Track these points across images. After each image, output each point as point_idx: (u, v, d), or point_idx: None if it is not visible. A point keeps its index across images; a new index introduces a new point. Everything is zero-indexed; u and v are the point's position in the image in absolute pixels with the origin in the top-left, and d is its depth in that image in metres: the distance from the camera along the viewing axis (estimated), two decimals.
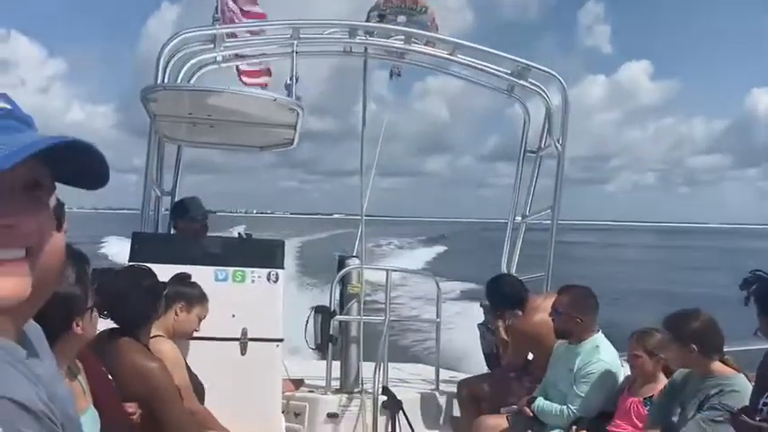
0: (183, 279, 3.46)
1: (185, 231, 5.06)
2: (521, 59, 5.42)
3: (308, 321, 5.01)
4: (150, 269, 3.04)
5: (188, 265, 3.69)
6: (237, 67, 5.49)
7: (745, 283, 2.53)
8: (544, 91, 5.50)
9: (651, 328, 3.57)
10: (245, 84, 5.52)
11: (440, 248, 51.03)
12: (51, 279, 0.88)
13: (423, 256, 41.82)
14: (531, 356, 4.70)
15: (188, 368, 3.31)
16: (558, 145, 5.48)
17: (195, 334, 3.52)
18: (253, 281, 4.20)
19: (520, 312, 4.55)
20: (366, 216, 5.70)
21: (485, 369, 5.43)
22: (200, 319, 3.47)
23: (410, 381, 5.75)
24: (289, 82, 4.85)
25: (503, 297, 4.72)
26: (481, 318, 5.47)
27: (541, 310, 4.35)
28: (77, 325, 1.93)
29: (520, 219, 6.03)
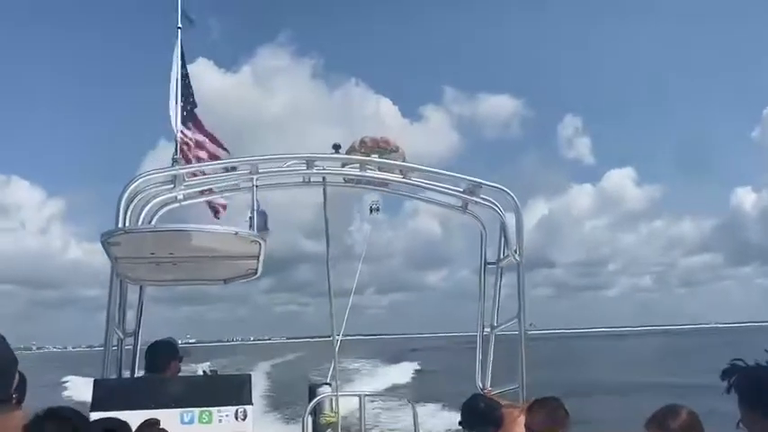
0: (151, 426, 3.32)
1: (173, 372, 4.89)
2: (471, 178, 5.68)
3: None
4: (124, 423, 2.93)
5: (152, 410, 3.56)
6: (207, 203, 5.65)
7: (725, 373, 2.55)
8: (497, 205, 5.72)
9: (676, 405, 3.42)
10: (216, 213, 5.66)
11: (412, 366, 49.80)
12: None
13: (397, 375, 40.67)
14: None
15: None
16: (516, 256, 5.63)
17: None
18: (220, 420, 4.06)
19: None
20: (342, 336, 5.65)
21: None
22: None
23: None
24: (250, 215, 4.97)
25: (479, 417, 4.65)
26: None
27: (519, 424, 4.27)
28: None
29: (489, 330, 6.05)
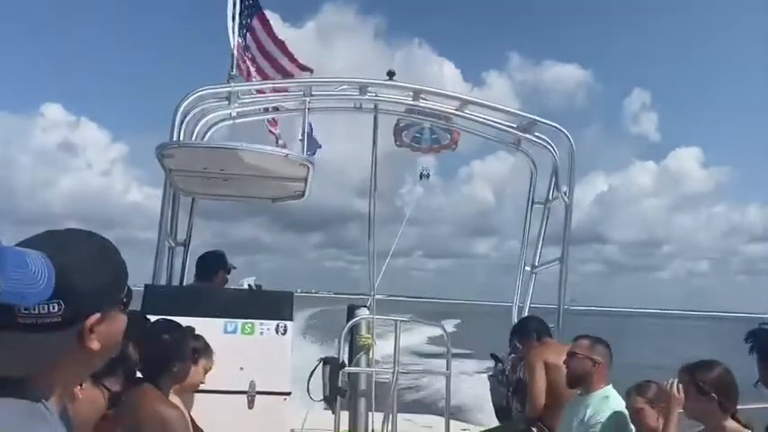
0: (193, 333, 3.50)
1: (221, 282, 5.14)
2: (526, 114, 5.53)
3: (312, 373, 5.00)
4: (179, 324, 3.10)
5: (198, 317, 3.74)
6: (267, 120, 5.67)
7: (751, 334, 2.56)
8: (550, 144, 5.59)
9: (648, 381, 3.56)
10: (271, 131, 5.69)
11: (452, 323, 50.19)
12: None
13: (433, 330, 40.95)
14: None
15: (193, 422, 3.33)
16: (565, 197, 5.54)
17: (201, 386, 3.54)
18: (261, 333, 4.24)
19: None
20: (379, 296, 5.68)
21: (495, 421, 5.37)
22: (205, 371, 3.49)
23: None
24: (301, 138, 5.00)
25: (529, 329, 4.84)
26: (491, 371, 5.43)
27: (554, 351, 4.39)
28: (80, 386, 1.98)
29: (529, 269, 6.05)
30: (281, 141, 5.65)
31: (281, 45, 5.83)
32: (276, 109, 5.68)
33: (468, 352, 19.85)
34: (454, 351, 5.74)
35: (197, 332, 3.54)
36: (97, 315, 1.03)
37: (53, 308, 0.98)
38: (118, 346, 1.12)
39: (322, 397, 5.00)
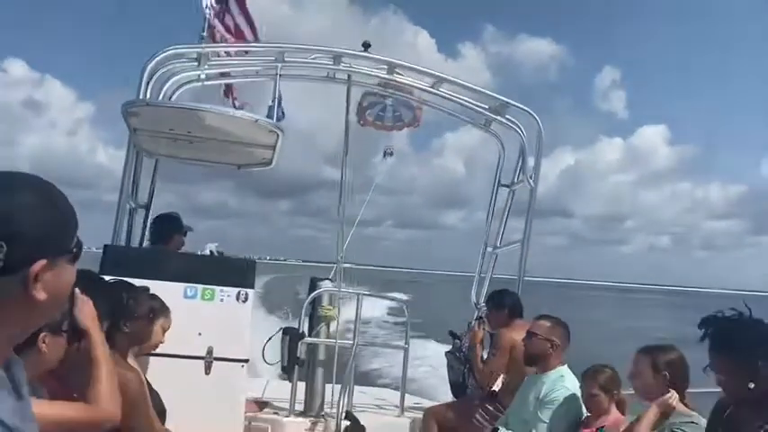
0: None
1: (176, 245, 5.05)
2: (499, 96, 5.55)
3: (268, 340, 5.00)
4: (129, 283, 3.04)
5: (158, 281, 3.68)
6: (225, 85, 5.55)
7: (704, 322, 2.64)
8: (520, 127, 5.63)
9: (602, 365, 3.67)
10: (232, 100, 5.58)
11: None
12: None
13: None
14: (497, 387, 4.75)
15: (149, 386, 3.29)
16: (531, 180, 5.61)
17: (159, 350, 3.49)
18: (222, 299, 4.20)
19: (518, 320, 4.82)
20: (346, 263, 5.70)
21: (450, 397, 5.47)
22: (164, 331, 3.43)
23: (375, 405, 5.75)
24: (271, 104, 4.91)
25: (504, 304, 4.97)
26: (449, 347, 5.51)
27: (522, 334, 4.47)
28: (43, 342, 1.92)
29: (491, 249, 6.13)
30: (237, 103, 5.56)
31: (245, 12, 5.67)
32: (246, 73, 5.56)
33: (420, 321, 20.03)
34: (413, 321, 5.80)
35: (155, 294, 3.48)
36: (43, 262, 0.95)
37: None
38: (65, 300, 1.05)
39: (280, 367, 5.02)
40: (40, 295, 0.95)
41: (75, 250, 1.03)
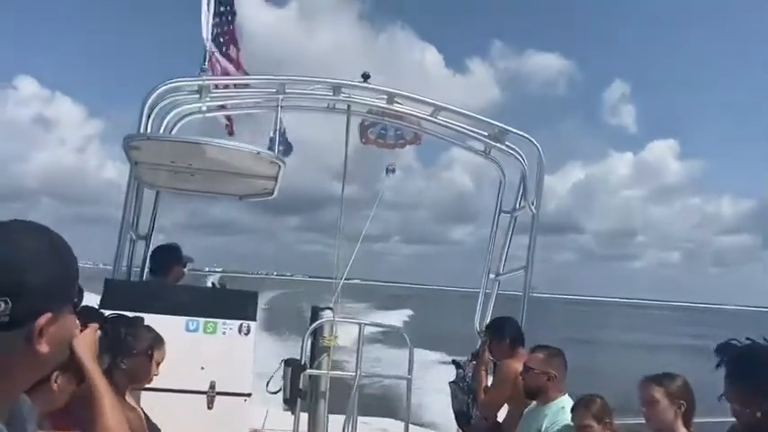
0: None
1: (176, 276, 5.03)
2: (499, 123, 5.59)
3: (273, 374, 4.95)
4: (126, 317, 3.01)
5: (159, 314, 3.66)
6: (227, 116, 5.58)
7: (719, 349, 2.61)
8: (520, 154, 5.66)
9: (593, 395, 3.61)
10: (230, 133, 5.61)
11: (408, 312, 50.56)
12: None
13: (396, 317, 41.31)
14: (500, 418, 4.70)
15: (147, 419, 3.24)
16: (532, 207, 5.61)
17: (161, 385, 3.44)
18: (224, 332, 4.17)
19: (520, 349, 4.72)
20: (344, 278, 5.67)
21: (454, 427, 5.40)
22: (157, 364, 3.38)
23: None
24: (272, 135, 4.94)
25: (505, 333, 4.88)
26: (452, 377, 5.46)
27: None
28: (55, 381, 1.90)
29: (494, 276, 6.11)
30: (235, 134, 5.61)
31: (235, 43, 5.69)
32: (247, 106, 5.60)
33: (430, 351, 19.98)
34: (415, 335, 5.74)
35: (156, 329, 3.44)
36: (48, 315, 0.94)
37: (0, 306, 0.89)
38: (68, 349, 1.05)
39: (282, 398, 4.96)
40: (44, 348, 0.95)
41: (76, 299, 1.02)
